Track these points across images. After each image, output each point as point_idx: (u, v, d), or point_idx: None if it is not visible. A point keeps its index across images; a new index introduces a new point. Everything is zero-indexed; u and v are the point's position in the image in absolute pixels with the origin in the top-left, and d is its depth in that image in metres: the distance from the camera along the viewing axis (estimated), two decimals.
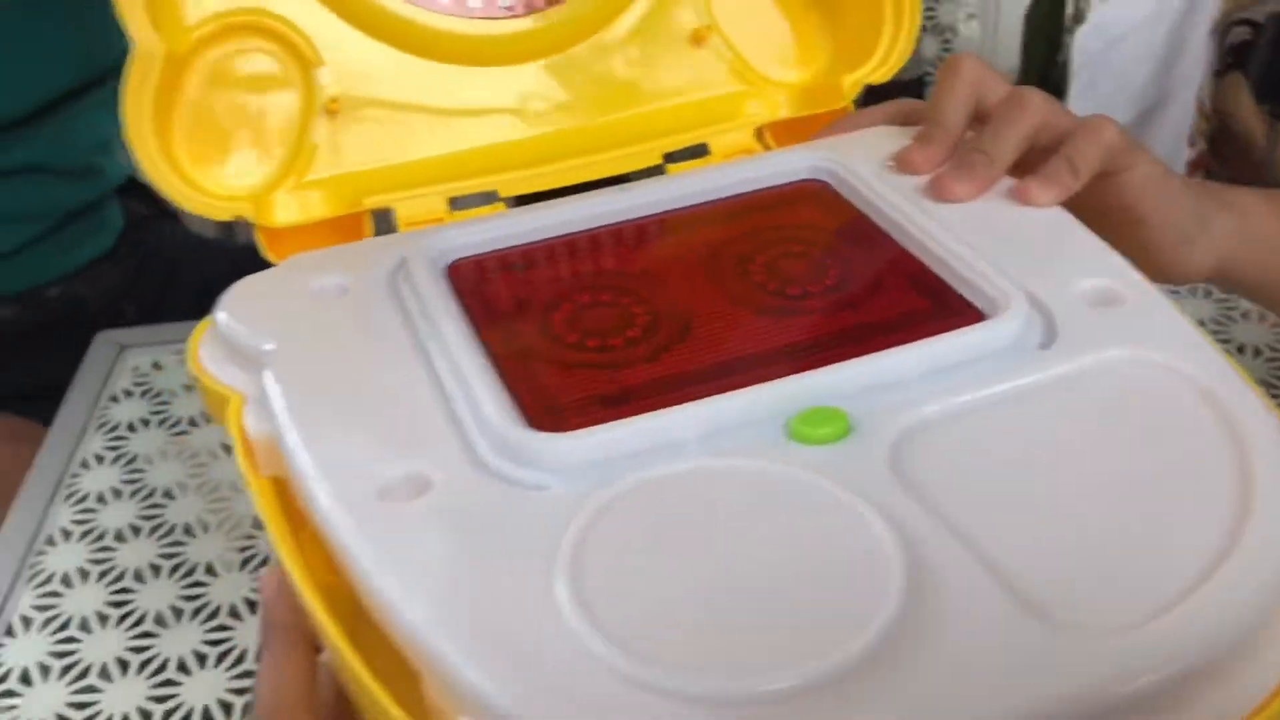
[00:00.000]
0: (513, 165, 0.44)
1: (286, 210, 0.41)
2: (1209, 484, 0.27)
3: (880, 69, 0.47)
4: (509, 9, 0.46)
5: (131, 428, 0.59)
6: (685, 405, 0.29)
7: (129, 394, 0.62)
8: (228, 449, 0.57)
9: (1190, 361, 0.31)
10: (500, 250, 0.37)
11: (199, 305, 0.36)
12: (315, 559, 0.29)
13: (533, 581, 0.25)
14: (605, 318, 0.34)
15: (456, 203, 0.43)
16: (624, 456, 0.28)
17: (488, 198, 0.43)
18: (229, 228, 0.45)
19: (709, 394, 0.29)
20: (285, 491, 0.31)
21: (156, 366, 0.63)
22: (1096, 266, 0.35)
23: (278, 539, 0.29)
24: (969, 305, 0.33)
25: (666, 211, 0.39)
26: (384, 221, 0.42)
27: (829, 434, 0.29)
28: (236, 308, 0.35)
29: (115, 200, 0.88)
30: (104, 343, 0.65)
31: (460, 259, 0.37)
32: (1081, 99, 0.79)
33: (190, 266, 0.88)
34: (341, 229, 0.41)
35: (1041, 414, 0.30)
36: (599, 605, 0.24)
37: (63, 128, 0.80)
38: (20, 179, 0.79)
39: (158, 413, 0.60)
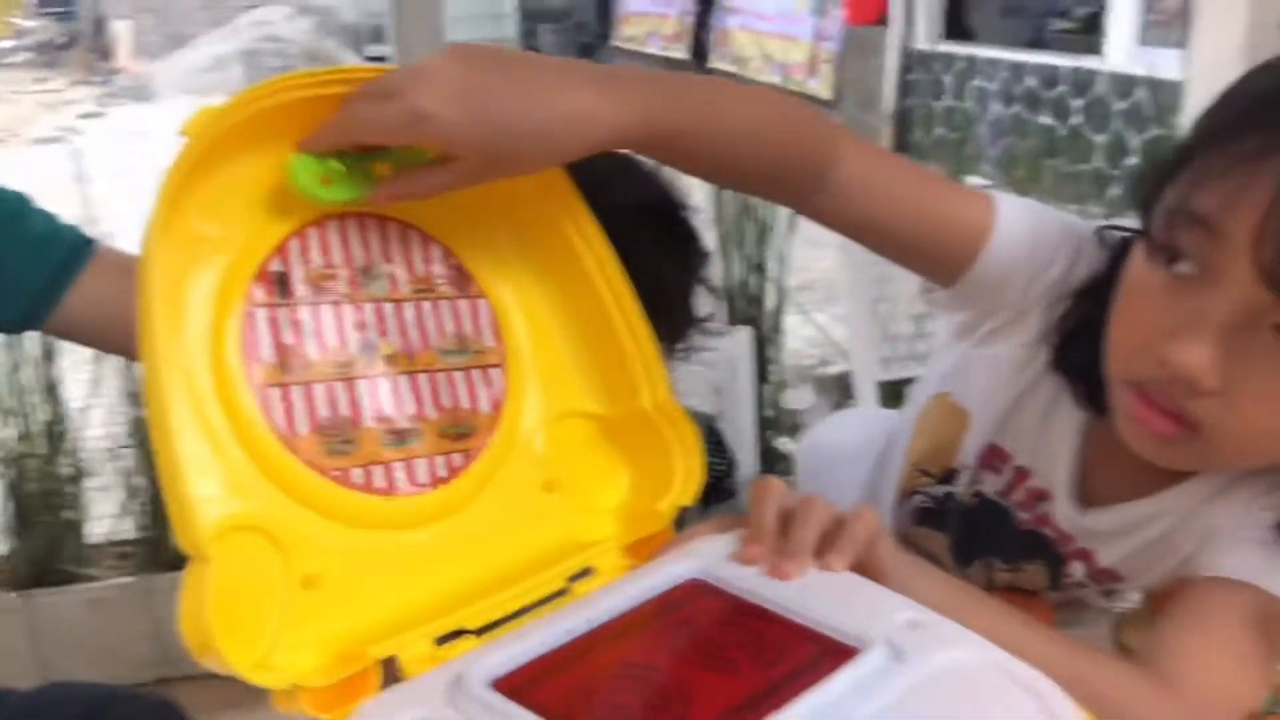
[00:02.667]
0: (466, 602, 0.57)
1: (315, 671, 0.52)
2: None
3: (683, 494, 0.66)
4: (425, 484, 0.61)
5: None
6: None
7: None
8: None
9: (979, 648, 0.51)
10: (524, 663, 0.51)
11: None
12: None
13: None
14: (638, 697, 0.49)
15: (439, 640, 0.55)
16: None
17: (459, 633, 0.56)
18: None
19: None
20: None
21: None
22: (895, 604, 0.55)
23: None
24: (842, 646, 0.52)
25: (620, 616, 0.55)
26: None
27: None
28: None
29: None
30: None
31: (499, 676, 0.50)
32: None
33: None
34: (361, 678, 0.53)
35: (925, 702, 0.48)
36: None
37: None
38: None
39: None
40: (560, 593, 0.60)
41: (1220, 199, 0.63)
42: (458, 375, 0.64)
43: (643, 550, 0.63)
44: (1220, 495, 0.78)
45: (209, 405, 0.55)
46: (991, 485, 0.89)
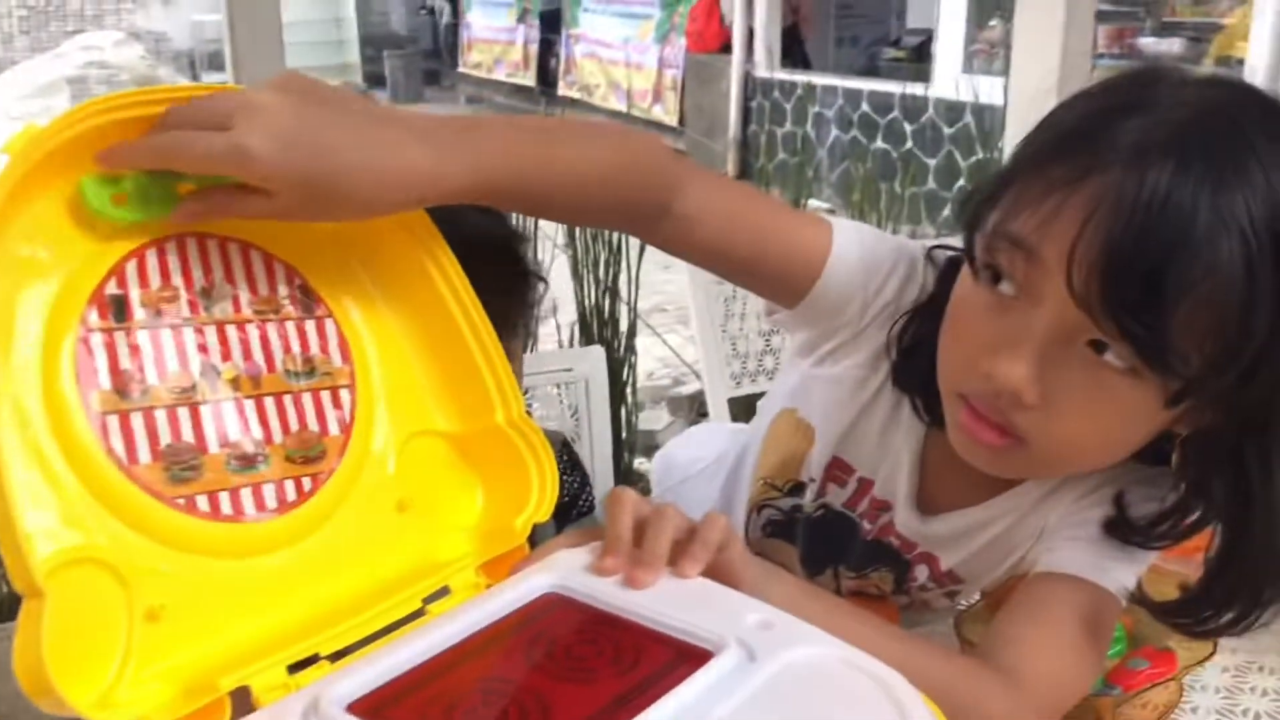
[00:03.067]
0: (319, 628, 0.56)
1: (162, 706, 0.50)
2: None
3: (538, 511, 0.67)
4: (273, 510, 0.60)
5: None
6: None
7: None
8: None
9: (829, 645, 0.53)
10: (378, 687, 0.50)
11: None
12: None
13: None
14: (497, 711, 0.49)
15: (292, 668, 0.54)
16: None
17: (313, 659, 0.55)
18: None
19: None
20: None
21: None
22: (747, 607, 0.57)
23: None
24: (697, 649, 0.53)
25: (476, 633, 0.55)
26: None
27: None
28: None
29: None
30: None
31: (355, 699, 0.49)
32: None
33: None
34: (212, 711, 0.51)
35: (778, 697, 0.50)
36: None
37: None
38: None
39: None
40: (416, 614, 0.59)
41: (1036, 223, 0.67)
42: (305, 397, 0.63)
43: (498, 568, 0.63)
44: (1049, 498, 0.83)
45: (42, 435, 0.53)
46: (837, 497, 0.92)
